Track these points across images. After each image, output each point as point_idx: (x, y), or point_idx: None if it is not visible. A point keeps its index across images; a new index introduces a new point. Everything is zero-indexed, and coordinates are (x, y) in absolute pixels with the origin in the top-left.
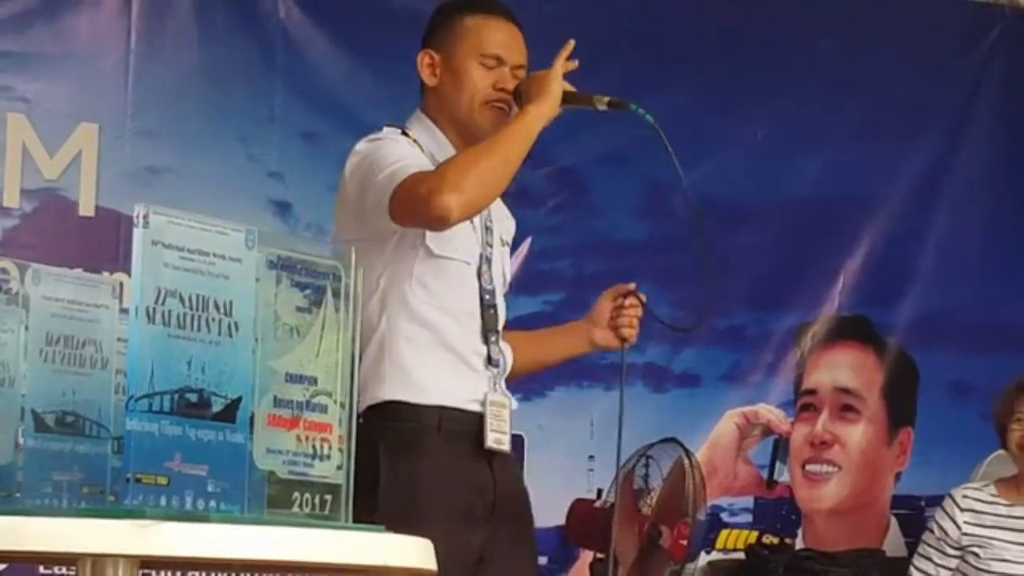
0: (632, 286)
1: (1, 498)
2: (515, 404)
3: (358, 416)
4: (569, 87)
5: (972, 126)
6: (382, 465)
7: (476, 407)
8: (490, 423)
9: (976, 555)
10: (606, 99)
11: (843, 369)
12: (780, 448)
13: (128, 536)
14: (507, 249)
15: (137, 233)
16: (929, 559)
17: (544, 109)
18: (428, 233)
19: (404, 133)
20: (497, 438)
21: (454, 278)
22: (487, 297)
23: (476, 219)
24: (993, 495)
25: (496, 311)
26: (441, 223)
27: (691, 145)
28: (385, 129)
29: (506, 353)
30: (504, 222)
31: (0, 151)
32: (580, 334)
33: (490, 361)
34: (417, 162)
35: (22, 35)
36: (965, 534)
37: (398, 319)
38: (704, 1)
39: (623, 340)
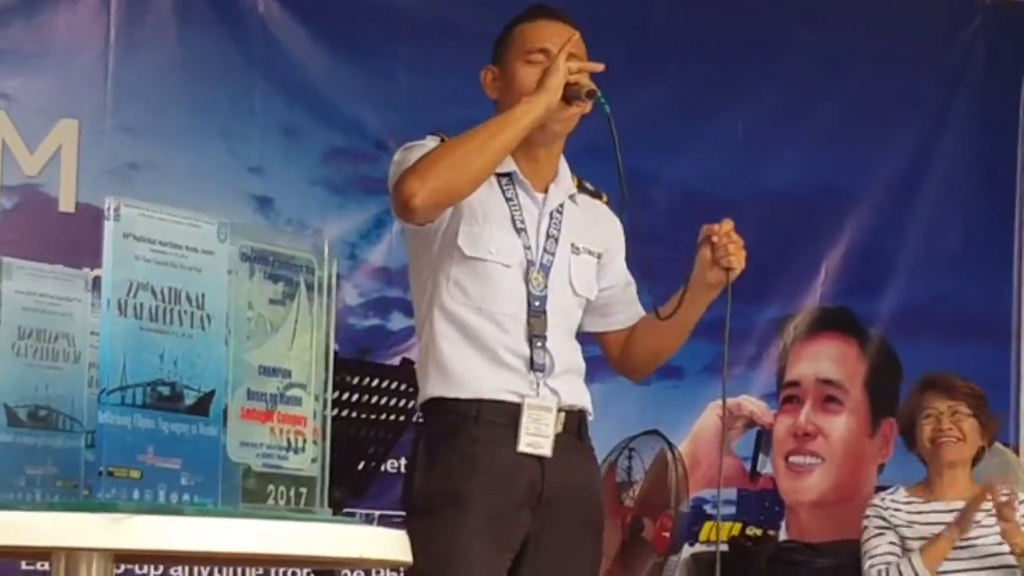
0: (725, 223)
1: None
2: (587, 404)
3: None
4: (584, 81)
5: (953, 117)
6: (419, 455)
7: (517, 399)
8: (526, 426)
9: (910, 550)
10: (586, 88)
11: (825, 361)
12: (763, 440)
13: (101, 530)
14: (591, 258)
15: (108, 226)
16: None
17: (537, 100)
18: (460, 235)
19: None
20: (533, 442)
21: (493, 280)
22: (536, 303)
23: (529, 223)
24: (907, 497)
25: (545, 317)
26: (406, 211)
27: (672, 137)
28: (428, 137)
29: (558, 358)
30: (589, 231)
31: None
32: (699, 282)
33: (532, 365)
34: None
35: (1, 31)
36: (896, 519)
37: (438, 320)
38: None
39: (727, 270)
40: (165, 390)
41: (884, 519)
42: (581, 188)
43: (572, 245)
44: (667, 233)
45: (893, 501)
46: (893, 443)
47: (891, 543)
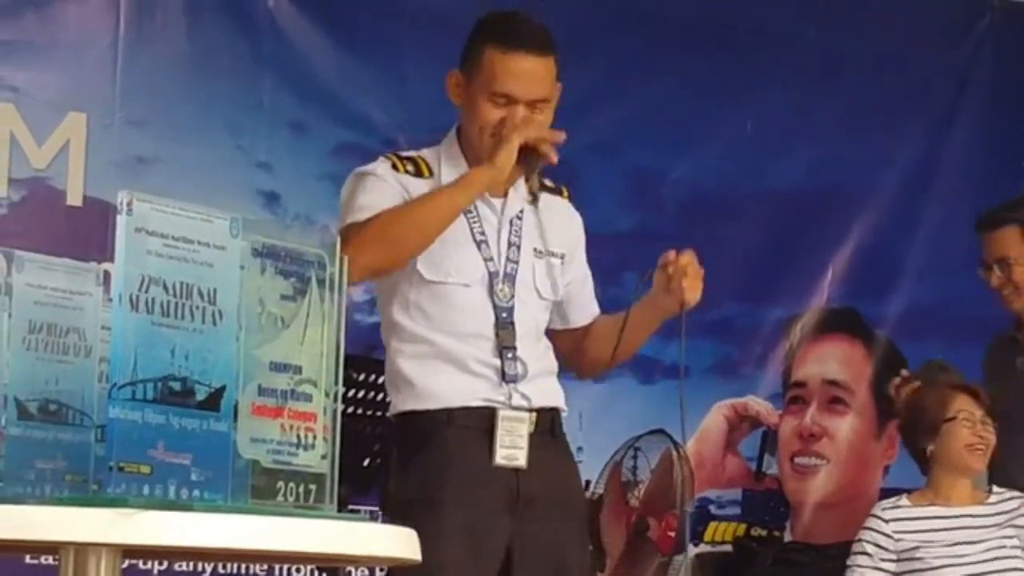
0: (684, 255)
1: None
2: (559, 403)
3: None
4: (544, 148)
5: (961, 117)
6: (393, 464)
7: (489, 404)
8: (500, 439)
9: (917, 559)
10: (539, 184)
11: (832, 362)
12: (769, 440)
13: (111, 525)
14: (555, 260)
15: (120, 220)
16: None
17: (480, 175)
18: (419, 259)
19: (401, 160)
20: (507, 455)
21: (454, 301)
22: (503, 315)
23: (489, 234)
24: (908, 504)
25: (513, 328)
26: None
27: (680, 136)
28: (378, 161)
29: (530, 364)
30: (551, 232)
31: None
32: (651, 305)
33: (505, 376)
34: (374, 209)
35: (10, 24)
36: (899, 540)
37: (401, 342)
38: None
39: (681, 305)
40: (176, 385)
41: (884, 534)
42: (541, 186)
43: (535, 250)
44: (675, 232)
45: (895, 510)
46: (899, 444)
47: (875, 569)
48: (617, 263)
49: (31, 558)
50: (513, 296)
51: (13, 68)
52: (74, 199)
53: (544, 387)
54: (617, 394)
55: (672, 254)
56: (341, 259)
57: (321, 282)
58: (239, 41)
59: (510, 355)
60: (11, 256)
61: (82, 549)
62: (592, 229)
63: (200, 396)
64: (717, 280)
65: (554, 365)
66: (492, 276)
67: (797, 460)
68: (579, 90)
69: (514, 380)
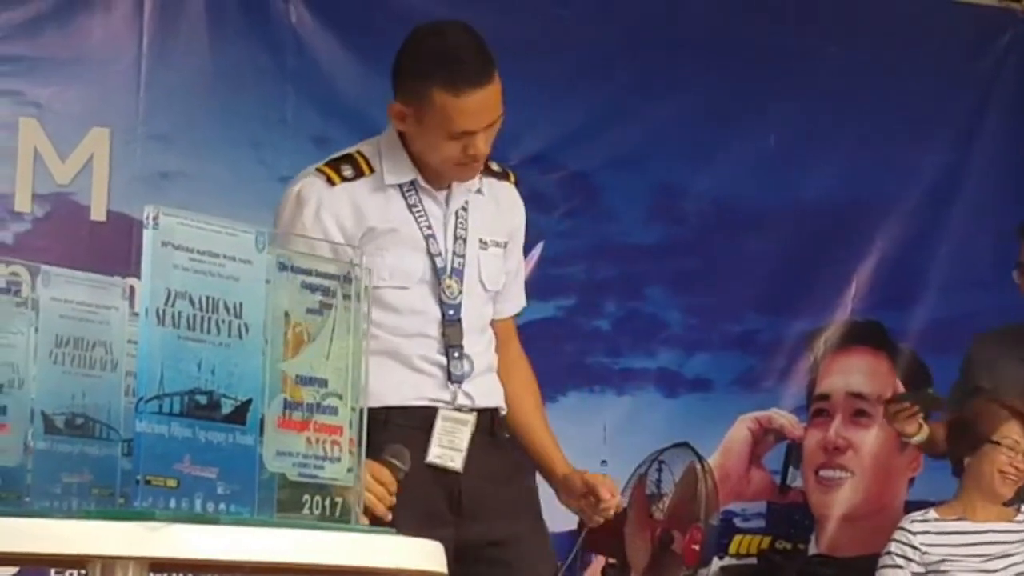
0: (614, 504)
1: (10, 500)
2: (499, 402)
3: None
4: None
5: (985, 130)
6: None
7: (430, 403)
8: (438, 438)
9: (943, 572)
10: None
11: (856, 374)
12: (793, 453)
13: (138, 538)
14: (498, 249)
15: (147, 234)
16: None
17: None
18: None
19: (335, 168)
20: (445, 455)
21: (391, 303)
22: (450, 312)
23: (436, 229)
24: (936, 518)
25: (460, 325)
26: None
27: (704, 150)
28: (310, 178)
29: (476, 360)
30: (495, 221)
31: (12, 156)
32: (557, 473)
33: (451, 376)
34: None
35: (34, 40)
36: (926, 553)
37: None
38: (717, 6)
39: (582, 526)
40: (202, 399)
41: (912, 547)
42: (487, 171)
43: (480, 240)
44: (698, 246)
45: (923, 523)
46: (923, 457)
47: None
48: (640, 277)
49: (58, 572)
50: (461, 292)
51: (37, 84)
52: (97, 214)
53: (486, 385)
54: (641, 407)
55: (605, 495)
56: (366, 273)
57: (347, 296)
58: (262, 56)
59: (456, 354)
60: (37, 270)
61: (109, 563)
62: (616, 243)
63: (226, 410)
64: (741, 293)
65: (495, 360)
66: (439, 272)
67: (822, 473)
68: (602, 103)
69: (460, 380)
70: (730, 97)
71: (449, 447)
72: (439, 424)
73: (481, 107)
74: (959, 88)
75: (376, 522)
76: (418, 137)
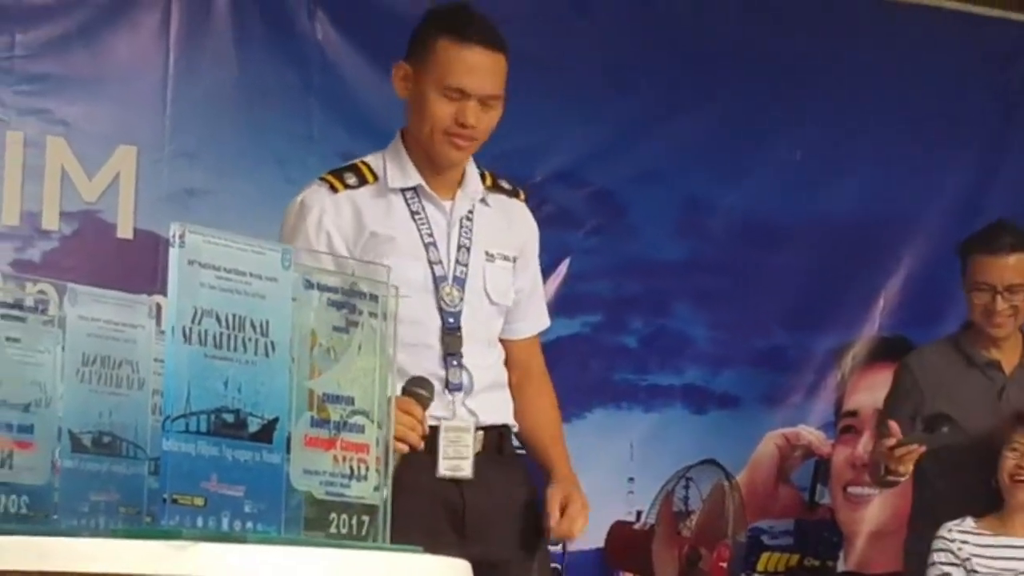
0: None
1: (38, 519)
2: (507, 419)
3: None
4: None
5: (1010, 144)
6: None
7: (433, 421)
8: (444, 450)
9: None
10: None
11: (884, 391)
12: (821, 470)
13: (165, 557)
14: (507, 263)
15: (173, 252)
16: None
17: None
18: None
19: (339, 177)
20: (453, 465)
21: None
22: (450, 320)
23: (438, 236)
24: (974, 527)
25: (459, 334)
26: None
27: (730, 165)
28: (314, 188)
29: (478, 374)
30: (503, 235)
31: (39, 174)
32: (549, 479)
33: (448, 385)
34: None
35: (60, 58)
36: (960, 549)
37: None
38: (743, 22)
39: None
40: (229, 417)
41: (953, 553)
42: (496, 187)
43: (486, 252)
44: (725, 262)
45: (961, 532)
46: None
47: None
48: (667, 293)
49: None
50: (462, 300)
51: (64, 102)
52: (124, 232)
53: (493, 402)
54: (668, 424)
55: (573, 533)
56: (393, 291)
57: (373, 314)
58: (288, 73)
59: (454, 363)
60: (64, 289)
61: None
62: (642, 259)
63: (253, 428)
64: (768, 309)
65: (504, 376)
66: (439, 280)
67: (850, 490)
68: (628, 119)
69: (458, 389)
70: (757, 113)
71: (455, 457)
72: (442, 439)
73: (483, 68)
74: (986, 101)
75: (412, 451)
76: (414, 103)
